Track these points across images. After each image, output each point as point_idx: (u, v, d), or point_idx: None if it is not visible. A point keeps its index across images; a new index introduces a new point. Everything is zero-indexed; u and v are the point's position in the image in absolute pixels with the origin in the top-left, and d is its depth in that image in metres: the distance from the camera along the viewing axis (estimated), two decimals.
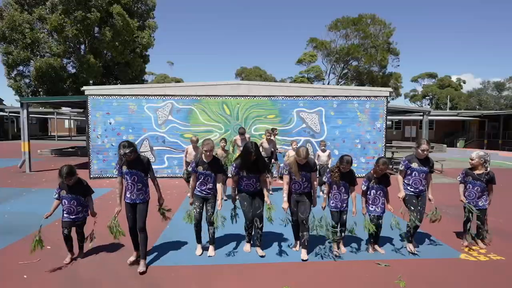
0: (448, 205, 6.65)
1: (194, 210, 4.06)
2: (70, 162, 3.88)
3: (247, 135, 7.87)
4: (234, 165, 4.13)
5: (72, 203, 3.87)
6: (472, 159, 4.45)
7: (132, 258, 3.93)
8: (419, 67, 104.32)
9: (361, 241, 4.63)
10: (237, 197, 4.30)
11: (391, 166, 11.62)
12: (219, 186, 4.09)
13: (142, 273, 3.64)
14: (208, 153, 3.93)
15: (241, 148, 7.12)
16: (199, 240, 4.21)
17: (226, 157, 6.96)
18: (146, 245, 3.83)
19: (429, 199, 4.34)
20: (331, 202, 4.22)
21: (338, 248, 4.24)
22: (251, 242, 4.34)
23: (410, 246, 4.33)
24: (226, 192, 6.73)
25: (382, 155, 10.03)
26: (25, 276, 3.58)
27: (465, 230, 4.57)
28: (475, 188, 4.43)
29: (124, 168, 3.74)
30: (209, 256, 4.08)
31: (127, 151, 3.60)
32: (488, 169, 4.41)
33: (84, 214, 4.00)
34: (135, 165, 3.75)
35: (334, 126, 10.20)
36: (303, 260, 4.03)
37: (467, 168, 4.56)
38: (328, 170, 4.29)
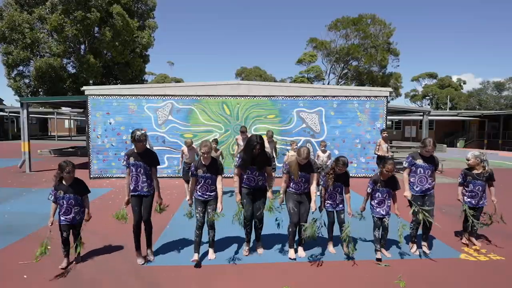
0: (448, 205, 6.65)
1: (198, 215, 3.99)
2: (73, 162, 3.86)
3: (248, 134, 7.87)
4: (239, 156, 4.11)
5: (70, 203, 3.76)
6: (468, 159, 4.49)
7: (140, 260, 3.94)
8: (419, 67, 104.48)
9: (360, 241, 4.63)
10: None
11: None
12: (219, 187, 4.03)
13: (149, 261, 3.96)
14: (206, 155, 3.90)
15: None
16: (197, 249, 3.96)
17: (221, 156, 6.98)
18: (151, 235, 4.07)
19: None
20: (326, 202, 4.22)
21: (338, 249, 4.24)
22: (250, 245, 4.27)
23: (413, 247, 4.32)
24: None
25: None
26: (25, 276, 3.58)
27: (464, 229, 4.65)
28: (477, 188, 4.44)
29: (131, 159, 3.88)
30: (209, 259, 4.02)
31: (142, 131, 3.82)
32: (487, 167, 4.43)
33: (81, 216, 3.89)
34: (142, 157, 3.89)
35: (334, 126, 10.20)
36: (300, 257, 4.08)
37: (465, 168, 4.57)
38: (323, 173, 4.25)
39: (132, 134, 3.83)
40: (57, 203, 3.79)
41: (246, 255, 4.17)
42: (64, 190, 3.76)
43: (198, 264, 3.88)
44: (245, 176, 4.11)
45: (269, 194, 4.18)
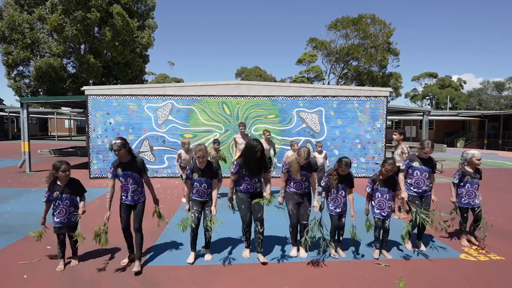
0: (448, 205, 6.64)
1: (192, 215, 3.92)
2: (69, 162, 3.81)
3: (247, 133, 7.82)
4: (236, 163, 3.96)
5: (66, 203, 3.68)
6: (479, 159, 4.42)
7: (125, 260, 3.87)
8: (419, 67, 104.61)
9: (360, 242, 4.62)
10: (234, 197, 4.10)
11: None
12: (214, 192, 3.99)
13: (137, 273, 3.61)
14: (201, 160, 3.83)
15: (241, 146, 7.11)
16: (193, 247, 4.02)
17: (219, 157, 6.91)
18: (142, 246, 3.80)
19: (432, 200, 4.35)
20: (331, 205, 4.12)
21: (336, 251, 4.21)
22: (250, 247, 4.20)
23: (408, 243, 4.38)
24: (219, 191, 6.59)
25: (383, 156, 10.03)
26: (25, 276, 3.58)
27: (461, 231, 4.65)
28: (474, 186, 4.46)
29: (119, 170, 3.73)
30: (206, 261, 3.96)
31: (117, 141, 3.62)
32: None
33: (77, 216, 3.81)
34: (130, 166, 3.74)
35: (334, 126, 10.20)
36: (301, 257, 4.07)
37: (463, 168, 4.53)
38: (326, 174, 4.23)
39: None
40: (50, 204, 3.70)
41: (247, 257, 4.10)
42: (60, 191, 3.66)
43: (193, 263, 3.92)
44: (243, 183, 3.97)
45: (265, 194, 4.07)
